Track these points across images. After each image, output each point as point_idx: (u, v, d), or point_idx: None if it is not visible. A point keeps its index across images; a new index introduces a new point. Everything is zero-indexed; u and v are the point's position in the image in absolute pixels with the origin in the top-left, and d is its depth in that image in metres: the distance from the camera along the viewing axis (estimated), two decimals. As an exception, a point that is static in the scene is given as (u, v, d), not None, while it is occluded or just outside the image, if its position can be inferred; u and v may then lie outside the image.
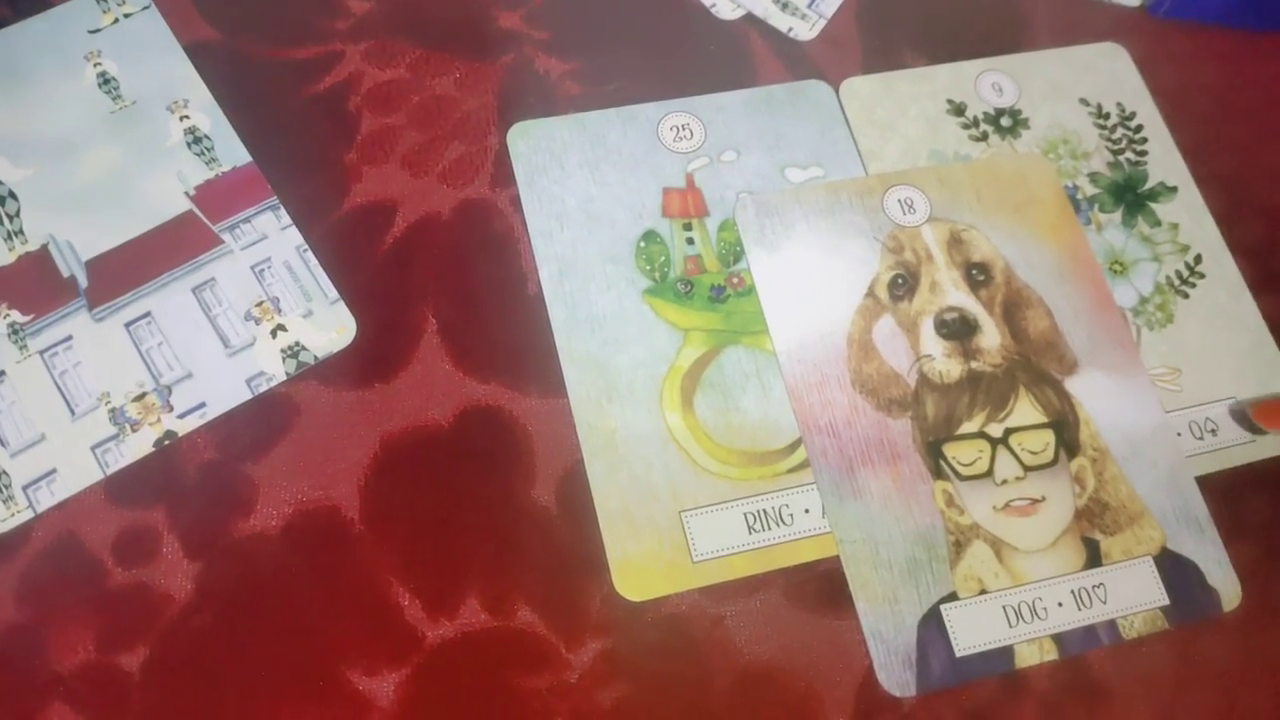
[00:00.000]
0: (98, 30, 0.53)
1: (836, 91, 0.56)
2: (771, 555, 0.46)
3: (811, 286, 0.50)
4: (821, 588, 0.46)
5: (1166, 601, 0.46)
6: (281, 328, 0.48)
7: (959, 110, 0.56)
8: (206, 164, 0.50)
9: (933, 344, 0.50)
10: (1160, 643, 0.46)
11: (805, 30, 0.57)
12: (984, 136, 0.55)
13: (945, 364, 0.49)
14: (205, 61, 0.53)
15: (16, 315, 0.47)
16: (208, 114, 0.52)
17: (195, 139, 0.51)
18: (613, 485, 0.46)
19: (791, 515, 0.46)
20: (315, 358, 0.47)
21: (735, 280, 0.50)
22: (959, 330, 0.50)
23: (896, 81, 0.56)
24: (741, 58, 0.56)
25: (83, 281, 0.48)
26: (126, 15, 0.54)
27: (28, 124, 0.51)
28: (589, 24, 0.56)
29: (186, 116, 0.52)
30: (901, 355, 0.49)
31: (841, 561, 0.46)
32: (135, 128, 0.51)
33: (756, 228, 0.51)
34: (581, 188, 0.52)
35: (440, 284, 0.50)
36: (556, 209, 0.51)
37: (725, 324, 0.50)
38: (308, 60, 0.54)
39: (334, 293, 0.48)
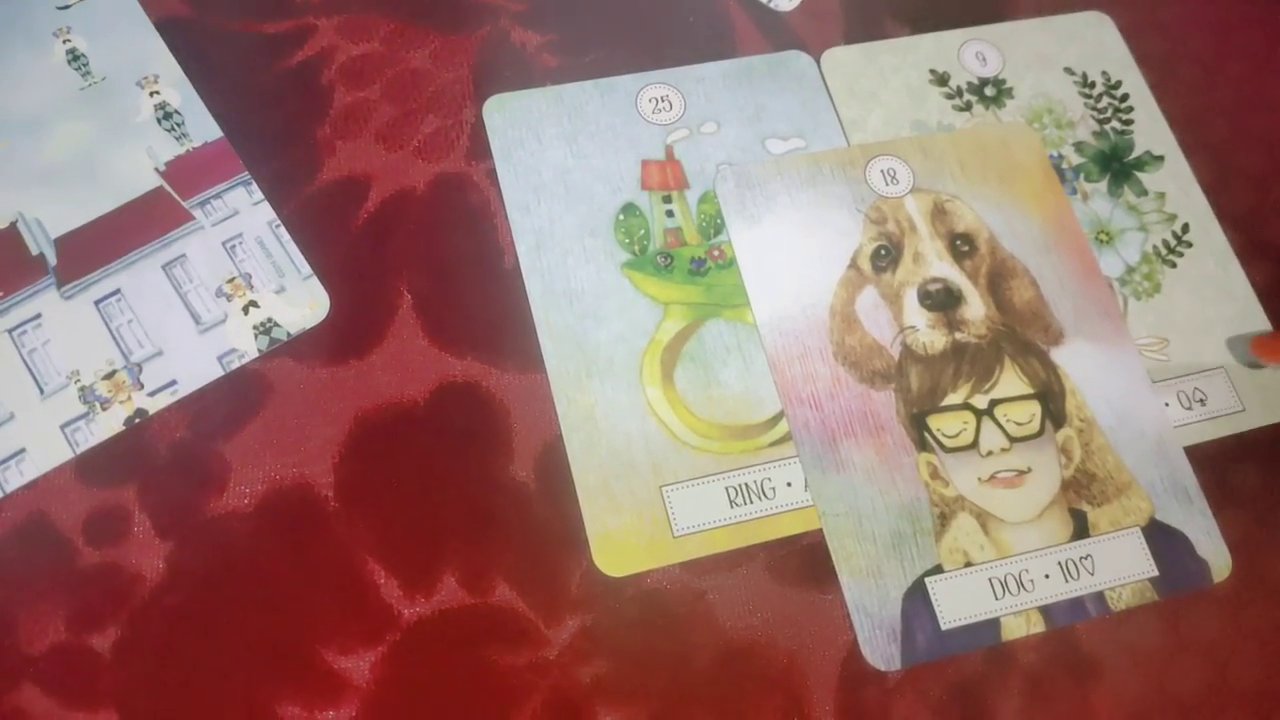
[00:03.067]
0: (67, 6, 0.52)
1: (818, 62, 0.55)
2: (753, 529, 0.45)
3: (793, 259, 0.50)
4: (804, 562, 0.45)
5: (1155, 573, 0.46)
6: (253, 304, 0.47)
7: (942, 80, 0.55)
8: (177, 140, 0.50)
9: (916, 315, 0.49)
10: (1149, 614, 0.46)
11: (786, 1, 0.56)
12: (968, 106, 0.54)
13: (929, 335, 0.48)
14: (176, 36, 0.52)
15: None
16: (178, 89, 0.51)
17: (165, 115, 0.50)
18: (592, 460, 0.46)
19: (774, 489, 0.46)
20: (288, 334, 0.46)
21: (716, 253, 0.50)
22: (943, 301, 0.49)
23: (879, 52, 0.56)
24: (721, 28, 0.56)
25: (51, 259, 0.47)
26: None
27: None
28: (566, -4, 0.56)
29: (157, 92, 0.51)
30: (885, 327, 0.49)
31: (825, 535, 0.45)
32: (105, 104, 0.50)
33: (737, 200, 0.51)
34: (559, 160, 0.51)
35: (415, 259, 0.49)
36: (533, 182, 0.50)
37: (706, 297, 0.49)
38: (279, 34, 0.53)
39: (307, 268, 0.48)
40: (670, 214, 0.50)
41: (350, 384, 0.46)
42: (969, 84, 0.55)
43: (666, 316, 0.48)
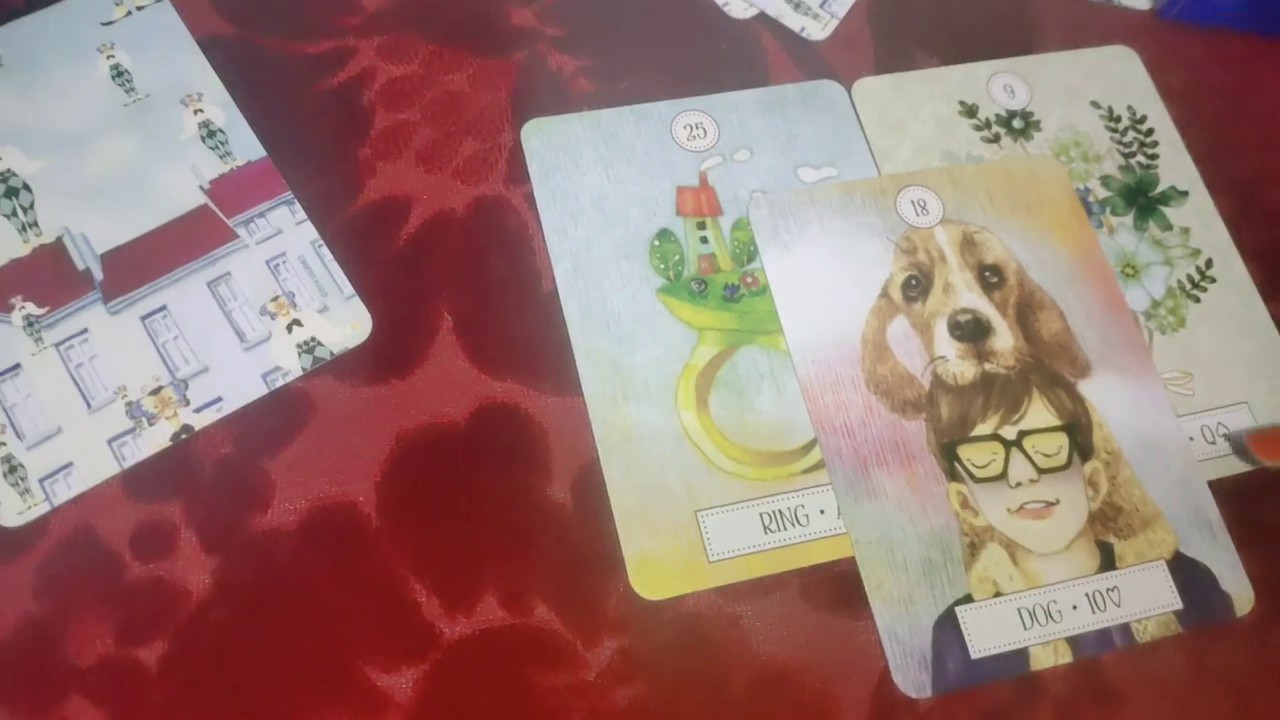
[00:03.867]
0: (110, 22, 0.53)
1: (849, 91, 0.56)
2: (787, 555, 0.46)
3: (825, 287, 0.51)
4: (837, 588, 0.46)
5: (1180, 605, 0.47)
6: (297, 323, 0.48)
7: (971, 111, 0.56)
8: (221, 158, 0.50)
9: (946, 345, 0.50)
10: (1173, 646, 0.46)
11: (818, 30, 0.57)
12: (996, 138, 0.55)
13: (959, 366, 0.49)
14: (219, 55, 0.53)
15: (32, 307, 0.46)
16: (222, 108, 0.52)
17: (209, 133, 0.51)
18: (628, 483, 0.46)
19: (807, 515, 0.46)
20: (331, 353, 0.47)
21: (749, 279, 0.51)
22: (972, 332, 0.50)
23: (909, 82, 0.56)
24: (754, 57, 0.56)
25: (98, 274, 0.47)
26: (139, 7, 0.54)
27: (41, 116, 0.51)
28: (602, 21, 0.56)
29: (200, 110, 0.51)
30: (915, 356, 0.49)
31: (857, 562, 0.46)
32: (149, 121, 0.51)
33: (770, 227, 0.51)
34: (596, 185, 0.52)
35: (455, 280, 0.49)
36: (571, 206, 0.51)
37: (739, 323, 0.50)
38: (321, 55, 0.54)
39: (349, 288, 0.48)
40: (704, 240, 0.51)
41: (392, 403, 0.47)
42: (997, 116, 0.56)
43: (701, 342, 0.49)
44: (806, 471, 0.47)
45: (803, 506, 0.47)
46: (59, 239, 0.48)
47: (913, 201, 0.53)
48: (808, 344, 0.49)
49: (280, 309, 0.48)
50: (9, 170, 0.49)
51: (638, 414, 0.47)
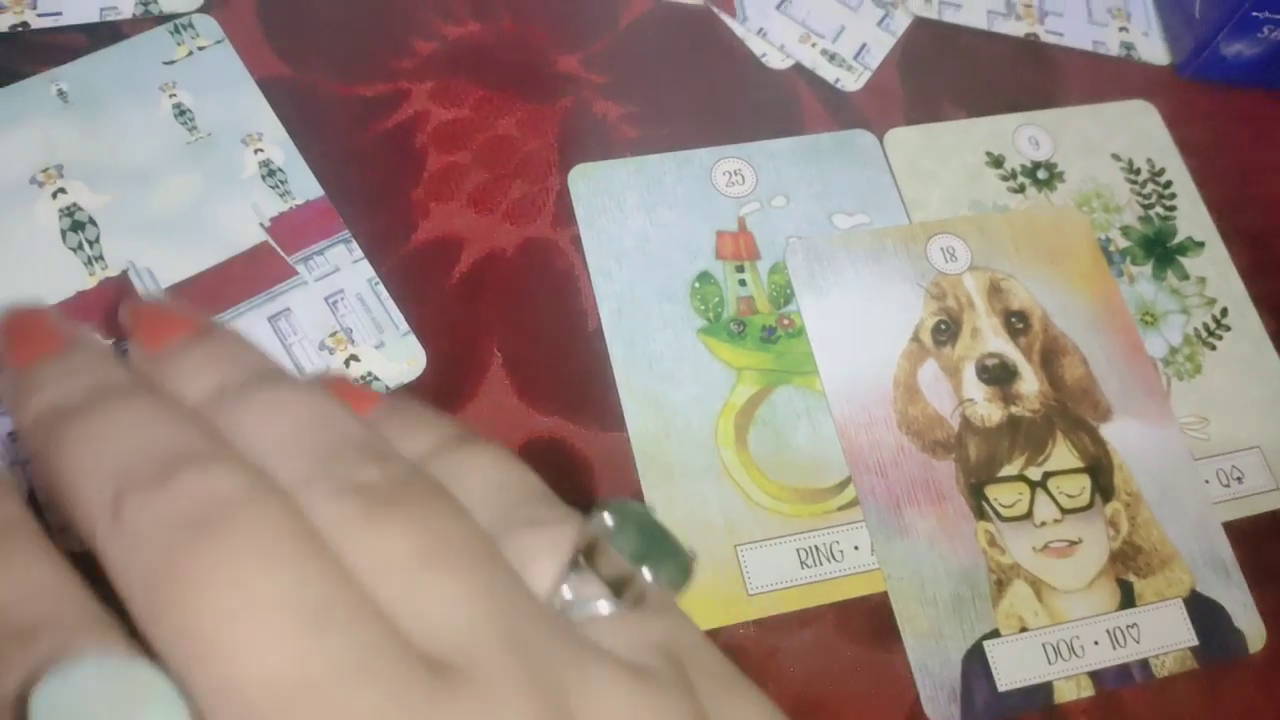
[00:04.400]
0: (173, 62, 0.55)
1: (881, 141, 0.58)
2: (823, 590, 0.48)
3: (859, 330, 0.53)
4: (870, 622, 0.48)
5: (1196, 642, 0.49)
6: (355, 358, 0.50)
7: (998, 162, 0.58)
8: (280, 196, 0.52)
9: (974, 389, 0.52)
10: (1189, 681, 0.49)
11: (851, 81, 0.59)
12: (1022, 188, 0.58)
13: (986, 408, 0.51)
14: (277, 95, 0.55)
15: (99, 338, 0.48)
16: (281, 148, 0.53)
17: (269, 172, 0.53)
18: (670, 517, 0.48)
19: (841, 551, 0.48)
20: (387, 388, 0.49)
21: (786, 321, 0.53)
22: (999, 376, 0.52)
23: (938, 133, 0.59)
24: (790, 106, 0.59)
25: (164, 308, 0.49)
26: (200, 48, 0.55)
27: (106, 152, 0.52)
28: (645, 70, 0.59)
29: (260, 149, 0.53)
30: (945, 398, 0.52)
31: (890, 597, 0.48)
32: (211, 159, 0.53)
33: (806, 272, 0.54)
34: (639, 229, 0.54)
35: (505, 319, 0.51)
36: (615, 249, 0.53)
37: (777, 364, 0.52)
38: (375, 97, 0.56)
39: (404, 325, 0.50)
40: (743, 283, 0.53)
41: (445, 438, 0.49)
42: (1023, 166, 0.58)
43: (740, 381, 0.51)
44: (841, 509, 0.49)
45: (838, 542, 0.49)
46: (124, 272, 0.50)
47: (942, 249, 0.55)
48: (842, 385, 0.51)
49: (338, 344, 0.50)
50: (75, 205, 0.51)
51: (679, 450, 0.50)
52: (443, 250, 0.52)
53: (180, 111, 0.54)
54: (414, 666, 0.22)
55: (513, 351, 0.51)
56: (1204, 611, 0.49)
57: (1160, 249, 0.57)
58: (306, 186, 0.53)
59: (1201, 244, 0.58)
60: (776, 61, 0.60)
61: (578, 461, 0.49)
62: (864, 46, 0.61)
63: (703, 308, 0.52)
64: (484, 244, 0.53)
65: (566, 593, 0.26)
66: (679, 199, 0.55)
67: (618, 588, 0.27)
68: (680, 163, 0.56)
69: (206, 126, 0.54)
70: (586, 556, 0.28)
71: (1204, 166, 0.60)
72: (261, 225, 0.52)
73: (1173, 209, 0.59)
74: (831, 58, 0.60)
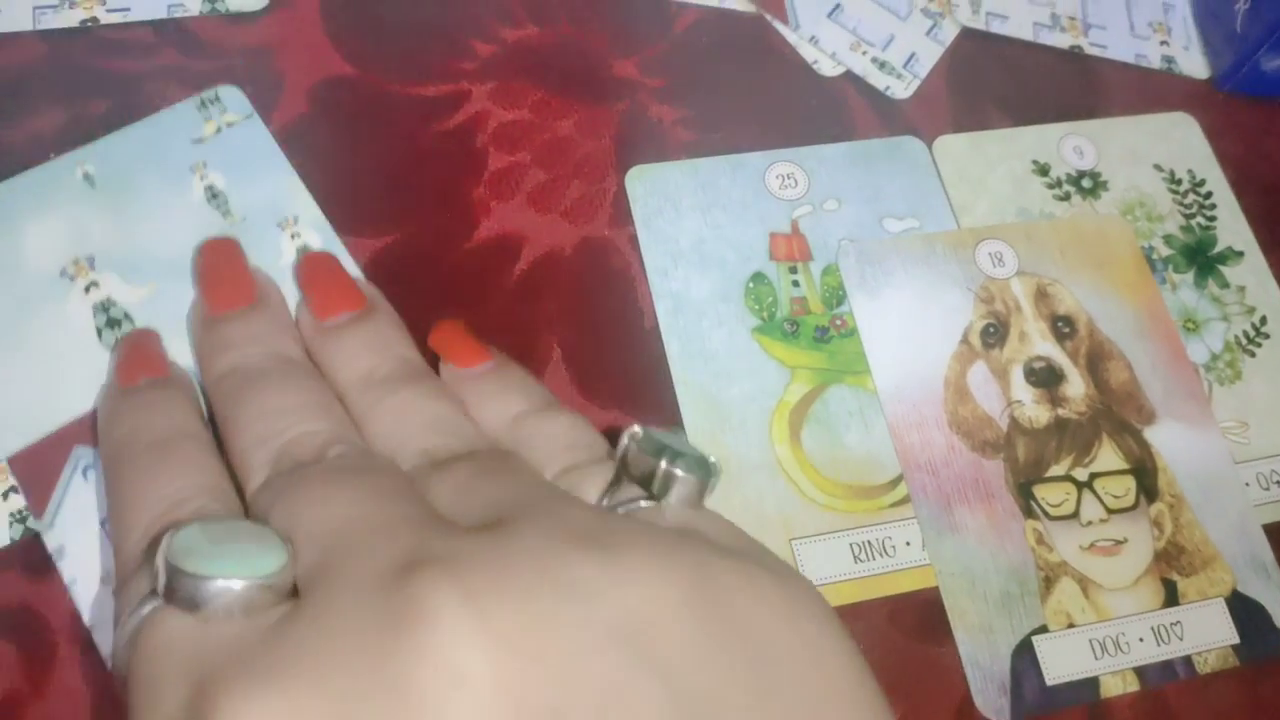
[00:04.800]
0: (201, 140, 0.52)
1: (930, 148, 0.59)
2: (875, 584, 0.49)
3: (910, 331, 0.54)
4: (922, 616, 0.49)
5: (1237, 640, 0.50)
6: None
7: (1043, 170, 0.60)
8: None
9: (1022, 390, 0.53)
10: (1231, 678, 0.50)
11: (901, 89, 0.61)
12: (1067, 197, 0.59)
13: (1034, 410, 0.53)
14: (341, 95, 0.56)
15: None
16: (318, 231, 0.51)
17: None
18: (727, 511, 0.49)
19: (894, 547, 0.50)
20: None
21: (838, 322, 0.54)
22: (1046, 379, 0.53)
23: (986, 141, 0.60)
24: (841, 112, 0.60)
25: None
26: (229, 124, 0.53)
27: (139, 240, 0.48)
28: (699, 75, 0.60)
29: (297, 234, 0.51)
30: (994, 400, 0.53)
31: (940, 592, 0.49)
32: (248, 245, 0.49)
33: (858, 274, 0.55)
34: (695, 229, 0.55)
35: (564, 316, 0.53)
36: (671, 249, 0.55)
37: (829, 363, 0.53)
38: (438, 97, 0.57)
39: None
40: (796, 284, 0.55)
41: (508, 430, 0.50)
42: (1068, 175, 0.60)
43: (793, 380, 0.52)
44: (893, 505, 0.50)
45: (890, 538, 0.50)
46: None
47: (990, 254, 0.56)
48: (894, 385, 0.53)
49: None
50: (109, 299, 0.46)
51: (734, 446, 0.51)
52: (504, 248, 0.54)
53: (213, 194, 0.50)
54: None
55: (571, 347, 0.52)
56: (1245, 611, 0.50)
57: (1201, 258, 0.59)
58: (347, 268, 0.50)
59: (1241, 254, 0.59)
60: (828, 68, 0.61)
61: (636, 455, 0.50)
62: (913, 55, 0.62)
63: (757, 307, 0.53)
64: (544, 243, 0.54)
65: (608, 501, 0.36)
66: (733, 201, 0.56)
67: (646, 483, 0.36)
68: (734, 165, 0.57)
69: (240, 210, 0.50)
70: (620, 469, 0.37)
71: (1243, 178, 0.61)
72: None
73: (1213, 219, 0.60)
74: (881, 65, 0.61)
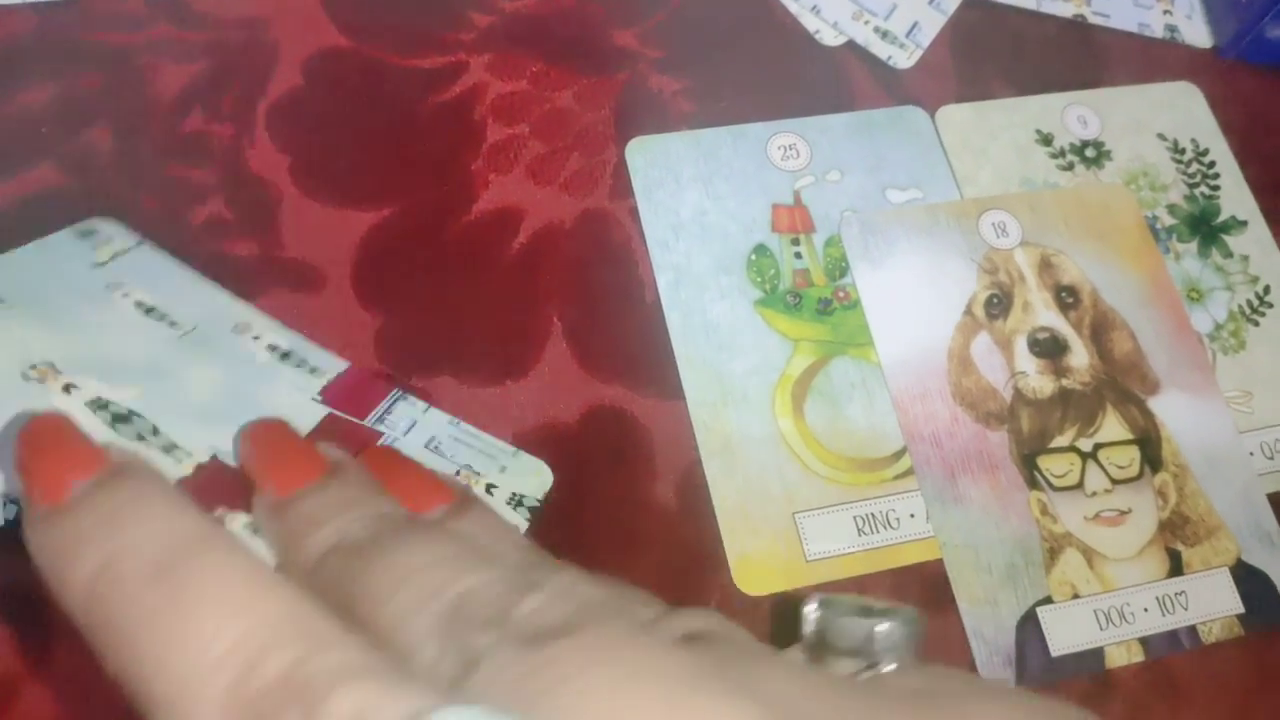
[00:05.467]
0: (102, 264, 0.46)
1: (933, 118, 0.59)
2: (879, 556, 0.49)
3: (913, 302, 0.54)
4: (926, 589, 0.49)
5: (1242, 609, 0.50)
6: (492, 485, 0.46)
7: (1047, 140, 0.59)
8: (310, 374, 0.47)
9: (1026, 361, 0.53)
10: (1236, 648, 0.50)
11: (903, 59, 0.60)
12: (1070, 166, 0.59)
13: (1038, 381, 0.52)
14: (336, 67, 0.55)
15: (243, 516, 0.38)
16: (279, 335, 0.47)
17: (283, 356, 0.47)
18: (730, 485, 0.49)
19: (898, 519, 0.49)
20: (537, 500, 0.47)
21: (841, 294, 0.54)
22: (1050, 349, 0.53)
23: (989, 111, 0.60)
24: (843, 82, 0.59)
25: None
26: (122, 252, 0.48)
27: (93, 348, 0.42)
28: (700, 45, 0.59)
29: (258, 337, 0.47)
30: (998, 371, 0.53)
31: (945, 565, 0.49)
32: (216, 349, 0.44)
33: (861, 245, 0.55)
34: (696, 201, 0.55)
35: (564, 289, 0.52)
36: (672, 221, 0.54)
37: (832, 335, 0.53)
38: (434, 69, 0.56)
39: (509, 446, 0.48)
40: (798, 255, 0.54)
41: (508, 405, 0.50)
42: (1071, 145, 0.59)
43: (796, 352, 0.52)
44: (897, 478, 0.50)
45: (894, 510, 0.50)
46: (214, 457, 0.41)
47: (993, 224, 0.56)
48: (897, 356, 0.52)
49: (471, 480, 0.46)
50: (101, 398, 0.40)
51: (737, 419, 0.50)
52: (503, 221, 0.53)
53: (147, 310, 0.44)
54: None
55: (572, 321, 0.52)
56: (1249, 580, 0.50)
57: (1205, 227, 0.58)
58: (329, 363, 0.47)
59: (1244, 223, 0.59)
60: (830, 38, 0.60)
61: (638, 430, 0.50)
62: (915, 25, 0.61)
63: (759, 279, 0.53)
64: (543, 215, 0.54)
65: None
66: (735, 172, 0.56)
67: (859, 655, 0.31)
68: (736, 136, 0.57)
69: (187, 321, 0.45)
70: (815, 647, 0.33)
71: (1246, 147, 0.61)
72: (314, 399, 0.45)
73: (1216, 188, 0.60)
74: (884, 35, 0.61)
